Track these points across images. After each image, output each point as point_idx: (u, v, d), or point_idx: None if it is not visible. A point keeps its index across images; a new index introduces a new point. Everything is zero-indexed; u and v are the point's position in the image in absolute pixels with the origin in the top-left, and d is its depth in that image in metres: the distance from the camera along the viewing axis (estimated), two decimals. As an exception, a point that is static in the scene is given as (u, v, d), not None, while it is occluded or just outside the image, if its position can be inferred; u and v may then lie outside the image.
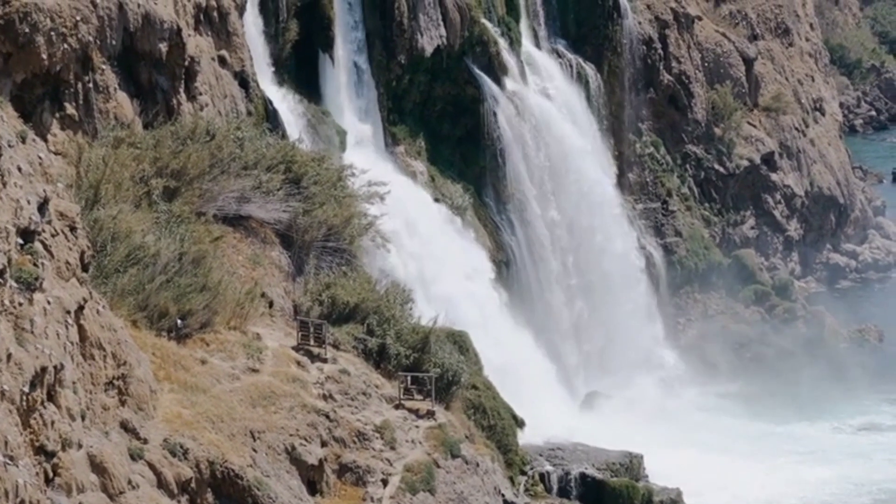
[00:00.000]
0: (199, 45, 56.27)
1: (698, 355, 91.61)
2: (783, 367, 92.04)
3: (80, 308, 34.07)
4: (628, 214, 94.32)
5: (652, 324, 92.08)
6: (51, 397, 31.05)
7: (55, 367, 30.98)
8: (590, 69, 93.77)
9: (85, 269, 35.53)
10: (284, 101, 66.14)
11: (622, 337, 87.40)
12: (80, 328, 34.22)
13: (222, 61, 59.05)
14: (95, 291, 37.02)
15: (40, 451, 30.30)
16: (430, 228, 71.86)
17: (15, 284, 30.36)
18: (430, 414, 47.56)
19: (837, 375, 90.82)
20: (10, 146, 32.50)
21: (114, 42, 49.86)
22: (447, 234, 74.27)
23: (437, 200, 75.48)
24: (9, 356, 29.14)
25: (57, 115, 47.30)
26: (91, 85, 48.64)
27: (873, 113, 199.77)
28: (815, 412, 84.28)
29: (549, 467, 60.58)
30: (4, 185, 31.03)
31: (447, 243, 72.98)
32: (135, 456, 35.26)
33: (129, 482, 34.04)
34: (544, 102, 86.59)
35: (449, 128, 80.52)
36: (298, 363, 45.74)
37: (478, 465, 47.69)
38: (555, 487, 60.23)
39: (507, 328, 74.06)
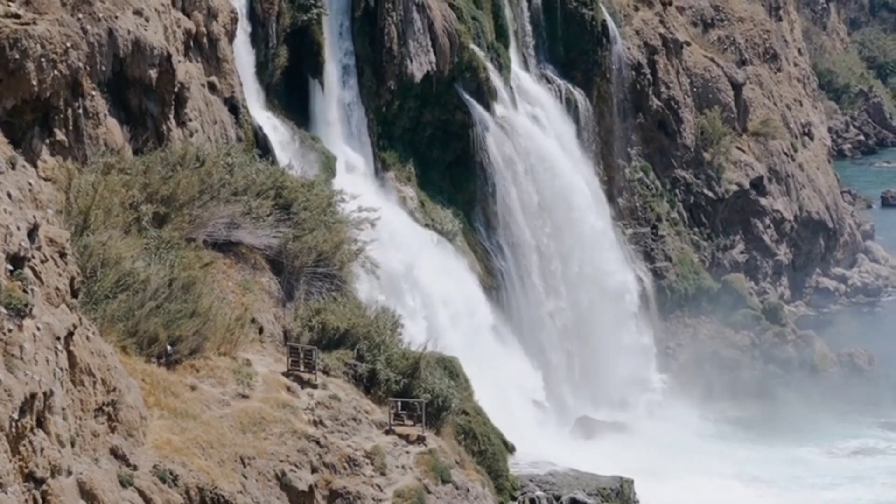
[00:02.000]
0: (188, 71, 56.33)
1: (689, 380, 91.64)
2: (774, 391, 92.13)
3: (70, 334, 33.99)
4: (617, 237, 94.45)
5: (643, 348, 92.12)
6: (40, 424, 30.95)
7: (45, 394, 30.90)
8: (579, 94, 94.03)
9: (74, 295, 35.46)
10: (274, 127, 66.20)
11: (613, 361, 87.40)
12: (70, 354, 34.12)
13: (212, 87, 59.12)
14: (85, 317, 36.94)
15: (29, 477, 30.18)
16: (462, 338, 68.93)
17: (4, 311, 30.30)
18: (421, 439, 47.46)
19: (828, 399, 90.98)
20: (-1, 172, 32.49)
21: (104, 68, 49.91)
22: (481, 339, 73.42)
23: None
24: (-2, 382, 29.08)
25: (47, 141, 47.27)
26: (81, 111, 48.63)
27: (861, 137, 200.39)
28: (807, 436, 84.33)
29: (539, 493, 60.37)
30: (-6, 211, 31.03)
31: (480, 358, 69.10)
32: (124, 482, 35.13)
33: (119, 509, 33.92)
34: (534, 127, 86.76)
35: (439, 153, 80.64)
36: (288, 389, 45.64)
37: (468, 490, 47.56)
38: (546, 513, 60.11)
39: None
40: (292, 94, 70.26)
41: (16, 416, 29.39)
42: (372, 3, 74.49)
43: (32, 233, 32.88)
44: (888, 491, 75.46)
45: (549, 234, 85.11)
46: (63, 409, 32.45)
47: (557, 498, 60.61)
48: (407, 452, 46.60)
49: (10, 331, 30.23)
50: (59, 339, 32.95)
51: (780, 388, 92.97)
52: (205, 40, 59.04)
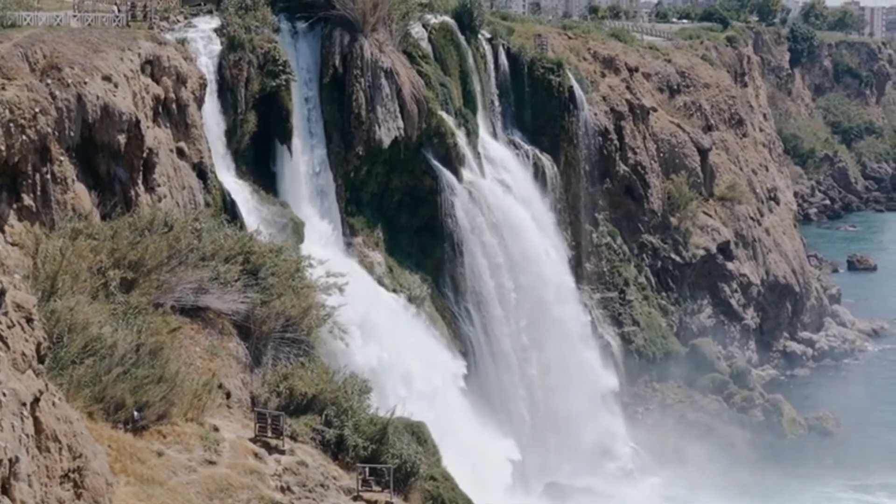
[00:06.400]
0: (157, 136, 56.44)
1: (658, 444, 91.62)
2: (743, 455, 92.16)
3: (36, 400, 33.78)
4: (585, 302, 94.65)
5: (611, 413, 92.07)
6: (5, 490, 30.69)
7: (10, 460, 30.66)
8: (546, 160, 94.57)
9: (41, 360, 35.27)
10: (242, 193, 66.27)
11: (581, 426, 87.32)
12: (36, 420, 33.89)
13: (181, 153, 59.22)
14: (52, 383, 36.71)
15: (-6, 545, 29.92)
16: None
17: (-30, 377, 30.14)
18: (389, 505, 47.26)
19: (798, 463, 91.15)
20: (-34, 238, 32.41)
21: (72, 133, 49.99)
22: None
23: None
24: (-37, 449, 28.86)
25: (14, 206, 47.22)
26: (49, 176, 48.63)
27: (827, 202, 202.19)
28: (779, 500, 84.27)
29: (508, 558, 60.14)
30: (-40, 276, 30.93)
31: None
32: (90, 550, 34.82)
33: (84, 577, 33.60)
34: (501, 193, 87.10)
35: (407, 218, 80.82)
36: (256, 455, 45.42)
37: (437, 556, 47.36)
38: (515, 579, 59.82)
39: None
40: (260, 160, 70.44)
41: (-19, 482, 29.17)
42: (340, 69, 74.97)
43: (-1, 298, 32.76)
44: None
45: (517, 298, 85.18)
46: (29, 475, 32.20)
47: (526, 564, 60.38)
48: (375, 518, 46.38)
49: (-25, 397, 30.06)
50: (24, 404, 32.75)
51: (749, 453, 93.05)
52: (173, 106, 59.22)
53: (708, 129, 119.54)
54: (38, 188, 48.16)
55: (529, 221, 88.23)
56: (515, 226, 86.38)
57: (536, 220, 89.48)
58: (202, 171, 60.74)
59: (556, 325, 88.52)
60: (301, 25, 75.38)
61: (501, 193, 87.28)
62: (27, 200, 47.62)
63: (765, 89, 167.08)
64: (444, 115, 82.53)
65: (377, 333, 66.38)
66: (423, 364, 69.89)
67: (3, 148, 45.60)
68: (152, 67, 58.31)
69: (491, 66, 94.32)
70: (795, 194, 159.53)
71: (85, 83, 50.57)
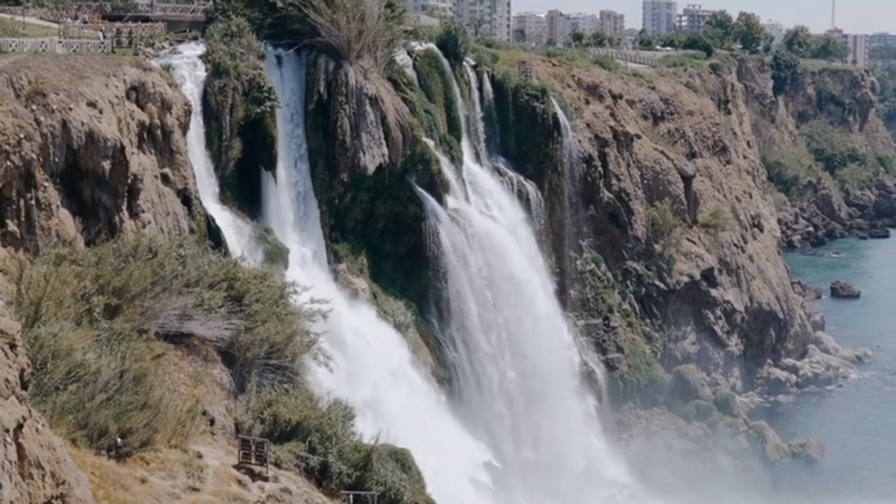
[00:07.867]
0: (142, 162, 56.44)
1: (642, 471, 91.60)
2: (727, 482, 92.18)
3: (20, 426, 33.68)
4: (570, 329, 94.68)
5: (595, 439, 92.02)
6: (-12, 518, 30.60)
7: (-7, 487, 30.57)
8: (531, 186, 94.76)
9: (24, 386, 35.18)
10: (227, 219, 66.26)
11: (566, 453, 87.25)
12: (19, 447, 33.78)
13: (165, 179, 59.21)
14: (35, 410, 36.61)
15: (-24, 572, 29.80)
16: None
17: (-47, 403, 30.06)
18: (373, 532, 47.16)
19: (783, 490, 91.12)
20: (-50, 264, 32.37)
21: (57, 159, 49.97)
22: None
23: None
24: (-54, 476, 28.76)
25: (-2, 232, 47.16)
26: (33, 202, 48.58)
27: (811, 229, 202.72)
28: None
29: (493, 586, 60.00)
30: (-56, 302, 30.87)
31: None
32: (73, 577, 34.66)
33: None
34: (486, 220, 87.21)
35: (391, 245, 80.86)
36: (240, 482, 45.28)
37: (421, 583, 47.23)
38: None
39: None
40: (245, 186, 70.45)
41: (-37, 509, 29.06)
42: (325, 95, 75.09)
43: (-18, 324, 32.68)
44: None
45: (502, 325, 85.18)
46: (11, 502, 32.10)
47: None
48: (359, 545, 46.26)
49: (-42, 423, 29.98)
50: (8, 431, 32.64)
51: (733, 480, 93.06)
52: (158, 132, 59.25)
53: (692, 156, 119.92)
54: (23, 214, 48.09)
55: (514, 248, 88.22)
56: (500, 252, 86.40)
57: (521, 247, 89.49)
58: (187, 198, 60.73)
59: (540, 347, 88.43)
60: (286, 52, 75.54)
61: (486, 220, 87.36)
62: (11, 226, 47.54)
63: (748, 116, 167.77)
64: (428, 141, 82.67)
65: (386, 414, 65.78)
66: (438, 456, 68.79)
67: (-13, 174, 45.56)
68: (137, 94, 58.37)
69: (475, 92, 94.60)
70: (779, 221, 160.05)
71: (70, 109, 50.59)
